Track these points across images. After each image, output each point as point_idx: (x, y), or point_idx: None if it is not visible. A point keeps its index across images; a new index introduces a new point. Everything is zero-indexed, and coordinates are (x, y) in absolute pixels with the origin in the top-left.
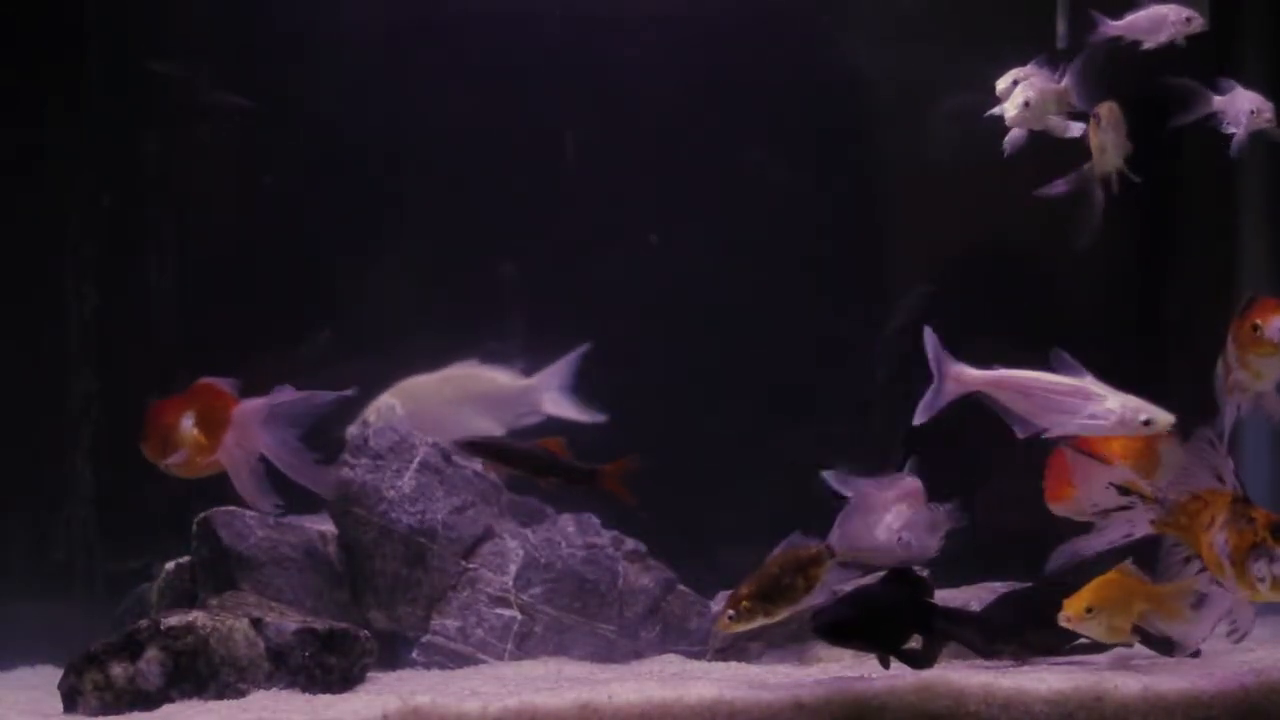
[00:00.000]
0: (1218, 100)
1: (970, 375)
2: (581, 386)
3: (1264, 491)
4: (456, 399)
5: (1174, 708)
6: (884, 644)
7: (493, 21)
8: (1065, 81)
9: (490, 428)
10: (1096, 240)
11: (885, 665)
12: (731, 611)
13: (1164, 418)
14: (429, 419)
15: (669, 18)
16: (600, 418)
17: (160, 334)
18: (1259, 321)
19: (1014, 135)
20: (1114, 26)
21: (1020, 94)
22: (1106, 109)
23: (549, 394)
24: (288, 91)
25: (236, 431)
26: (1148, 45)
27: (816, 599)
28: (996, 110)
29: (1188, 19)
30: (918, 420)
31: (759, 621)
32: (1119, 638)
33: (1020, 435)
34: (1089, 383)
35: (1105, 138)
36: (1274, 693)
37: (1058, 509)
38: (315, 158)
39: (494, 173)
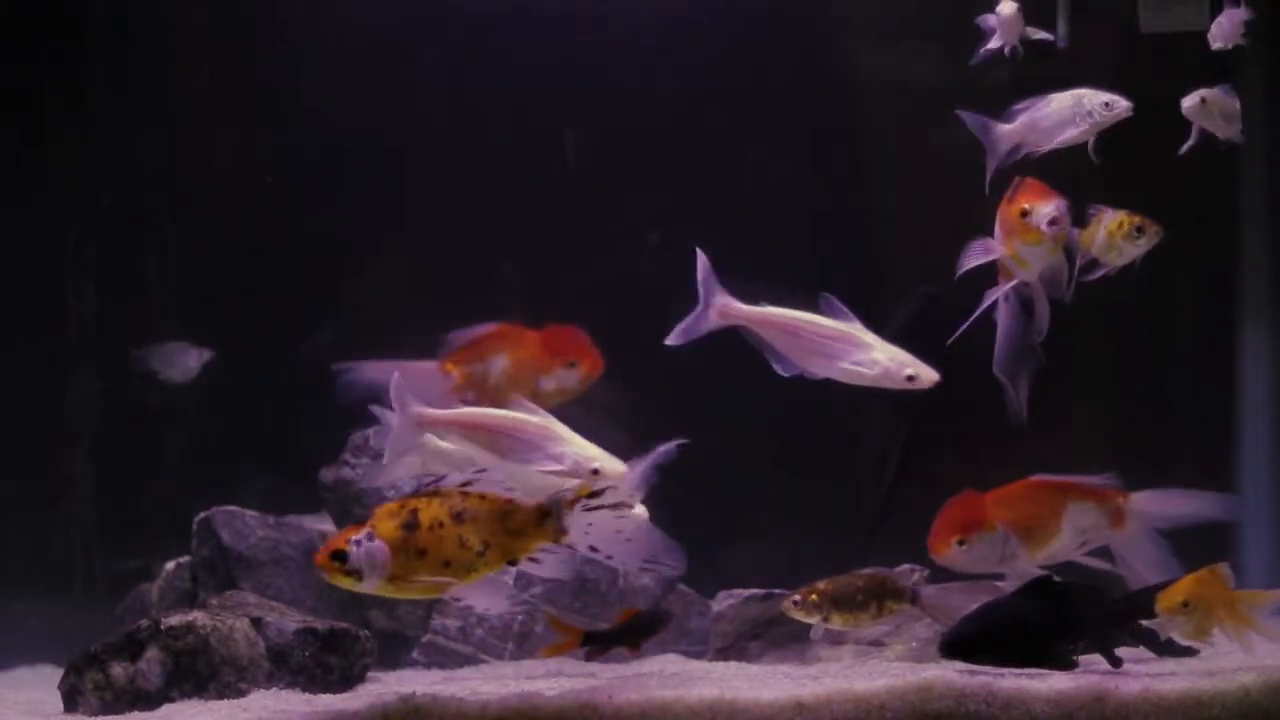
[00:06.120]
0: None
1: (736, 309)
2: None
3: (1264, 489)
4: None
5: (1174, 708)
6: (1019, 657)
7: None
8: None
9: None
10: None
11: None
12: (798, 598)
13: (928, 374)
14: None
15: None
16: None
17: (159, 333)
18: (1026, 206)
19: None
20: None
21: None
22: (1151, 229)
23: None
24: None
25: None
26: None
27: (876, 631)
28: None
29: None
30: (671, 342)
31: (815, 619)
32: (1200, 638)
33: (783, 374)
34: (857, 330)
35: (1116, 245)
36: (1275, 692)
37: (938, 559)
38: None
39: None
